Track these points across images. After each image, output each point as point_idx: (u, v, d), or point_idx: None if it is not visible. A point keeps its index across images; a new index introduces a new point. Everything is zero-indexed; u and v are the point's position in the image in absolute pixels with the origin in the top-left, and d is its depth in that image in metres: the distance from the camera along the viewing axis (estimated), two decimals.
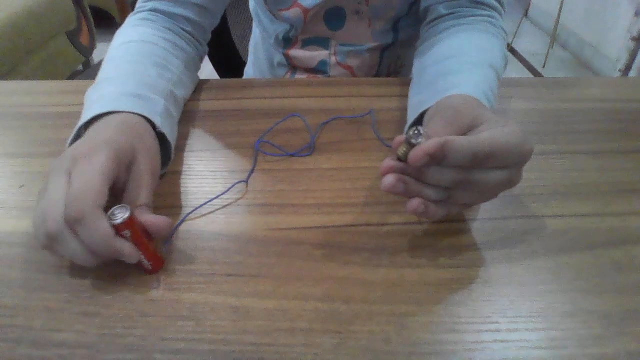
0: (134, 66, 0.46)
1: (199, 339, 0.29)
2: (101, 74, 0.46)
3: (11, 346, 0.29)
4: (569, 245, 0.36)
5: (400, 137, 0.33)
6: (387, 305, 0.31)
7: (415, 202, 0.33)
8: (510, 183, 0.34)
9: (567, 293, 0.32)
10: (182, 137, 0.48)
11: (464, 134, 0.35)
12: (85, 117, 0.39)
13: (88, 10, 2.21)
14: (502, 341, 0.29)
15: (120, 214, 0.31)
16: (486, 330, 0.30)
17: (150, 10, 0.54)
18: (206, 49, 0.60)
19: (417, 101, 0.45)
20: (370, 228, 0.37)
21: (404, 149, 0.32)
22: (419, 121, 0.43)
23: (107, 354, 0.29)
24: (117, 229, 0.31)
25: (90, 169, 0.32)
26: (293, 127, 0.49)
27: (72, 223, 0.30)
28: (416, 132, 0.32)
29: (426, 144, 0.30)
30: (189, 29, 0.55)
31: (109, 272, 0.34)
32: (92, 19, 2.24)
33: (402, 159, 0.32)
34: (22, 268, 0.34)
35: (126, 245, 0.31)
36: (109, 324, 0.30)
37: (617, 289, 0.33)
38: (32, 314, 0.31)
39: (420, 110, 0.42)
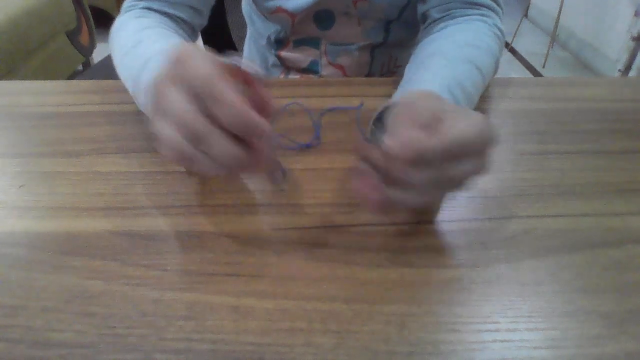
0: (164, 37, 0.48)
1: (199, 339, 0.29)
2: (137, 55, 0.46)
3: (11, 346, 0.29)
4: (569, 245, 0.36)
5: (363, 144, 0.33)
6: (387, 305, 0.31)
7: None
8: (477, 171, 0.33)
9: (567, 293, 0.32)
10: None
11: (425, 129, 0.34)
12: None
13: (88, 10, 2.21)
14: (502, 341, 0.29)
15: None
16: (486, 330, 0.30)
17: (143, 8, 0.55)
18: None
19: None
20: (370, 228, 0.37)
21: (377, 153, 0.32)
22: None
23: (107, 354, 0.29)
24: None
25: (187, 64, 0.30)
26: (294, 126, 0.49)
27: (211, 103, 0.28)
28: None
29: (402, 151, 0.30)
30: (182, 27, 0.57)
31: (109, 271, 0.34)
32: (92, 19, 2.24)
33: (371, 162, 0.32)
34: (22, 268, 0.34)
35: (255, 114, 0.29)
36: (109, 324, 0.30)
37: (617, 289, 0.33)
38: (32, 314, 0.31)
39: (383, 106, 0.41)
